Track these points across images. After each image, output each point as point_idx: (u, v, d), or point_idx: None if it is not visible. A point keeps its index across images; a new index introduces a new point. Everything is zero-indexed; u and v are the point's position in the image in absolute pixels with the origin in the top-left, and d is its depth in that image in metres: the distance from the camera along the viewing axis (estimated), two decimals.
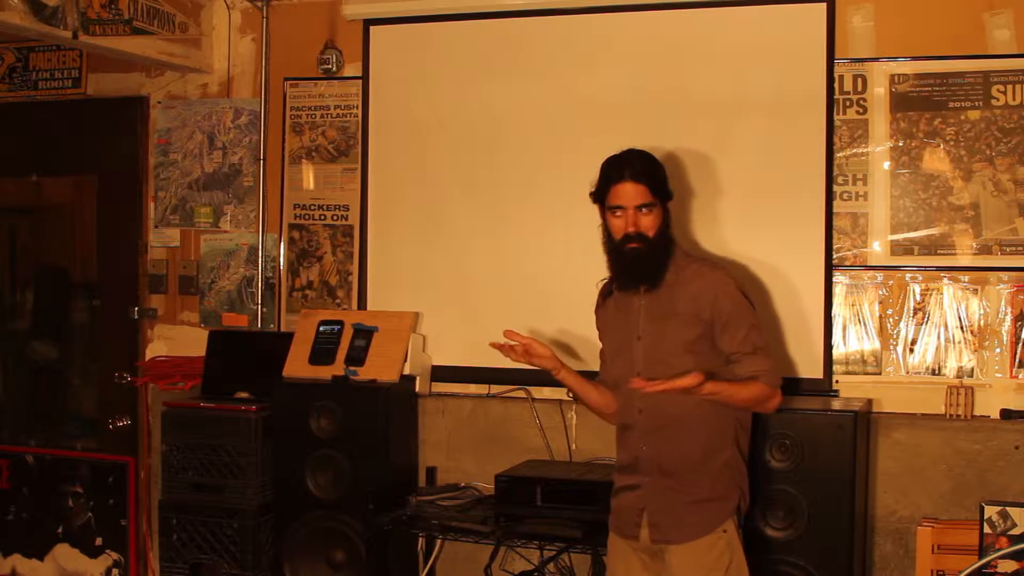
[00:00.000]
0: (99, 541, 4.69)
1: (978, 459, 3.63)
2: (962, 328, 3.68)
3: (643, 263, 2.89)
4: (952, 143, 3.69)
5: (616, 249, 2.92)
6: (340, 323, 4.16)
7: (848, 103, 3.79)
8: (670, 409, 2.87)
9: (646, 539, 2.89)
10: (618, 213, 2.89)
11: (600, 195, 2.94)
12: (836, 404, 3.58)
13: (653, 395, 2.86)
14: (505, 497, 3.66)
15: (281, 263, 4.50)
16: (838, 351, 3.78)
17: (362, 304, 4.33)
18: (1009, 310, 3.65)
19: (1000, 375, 3.65)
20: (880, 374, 3.76)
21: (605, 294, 3.10)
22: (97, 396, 4.83)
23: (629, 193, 2.86)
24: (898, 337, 3.74)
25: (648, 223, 2.86)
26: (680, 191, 3.51)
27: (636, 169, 2.87)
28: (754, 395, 2.87)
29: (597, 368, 3.96)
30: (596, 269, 3.97)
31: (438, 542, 4.15)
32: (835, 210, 3.78)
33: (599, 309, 3.12)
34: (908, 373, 3.74)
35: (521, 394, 4.14)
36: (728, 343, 2.85)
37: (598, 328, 3.13)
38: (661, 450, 2.89)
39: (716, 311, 2.84)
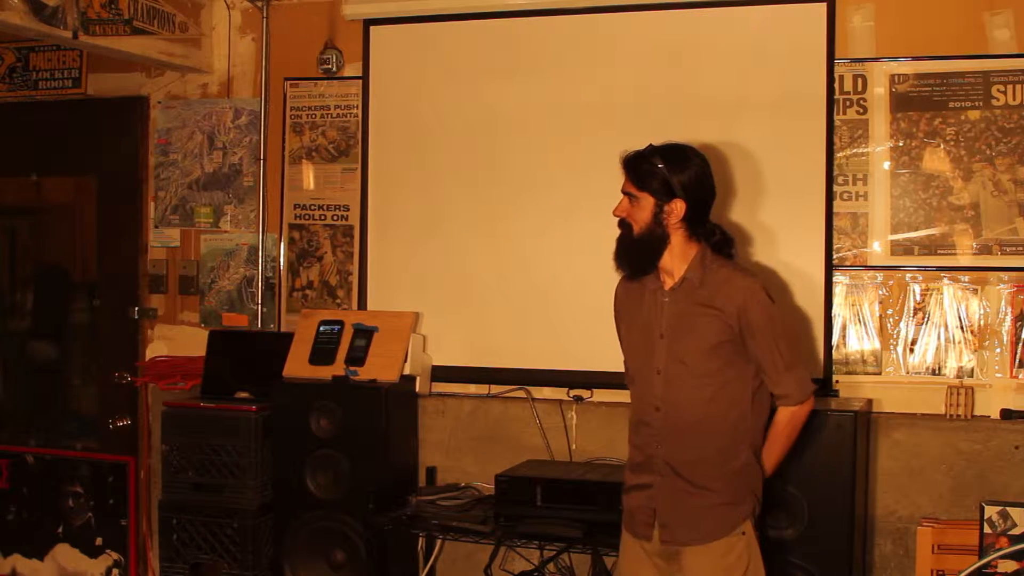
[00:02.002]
0: (99, 541, 4.69)
1: (978, 459, 3.63)
2: (962, 328, 3.68)
3: (621, 250, 2.91)
4: (952, 143, 3.69)
5: None
6: (340, 323, 4.16)
7: (848, 103, 3.79)
8: (688, 410, 2.84)
9: (658, 539, 2.87)
10: None
11: None
12: (836, 404, 3.58)
13: (671, 394, 2.85)
14: (505, 497, 3.66)
15: (281, 263, 4.50)
16: (838, 351, 3.78)
17: (362, 304, 4.33)
18: (1009, 310, 3.65)
19: (1000, 375, 3.65)
20: (880, 374, 3.76)
21: (625, 284, 3.05)
22: (97, 396, 4.83)
23: (624, 180, 2.90)
24: (898, 337, 3.74)
25: (633, 214, 2.86)
26: None
27: (628, 158, 2.88)
28: (784, 434, 2.91)
29: (595, 368, 3.99)
30: (596, 268, 3.97)
31: (438, 542, 4.15)
32: (835, 210, 3.78)
33: (619, 295, 3.08)
34: (908, 373, 3.74)
35: (521, 394, 4.14)
36: (758, 355, 2.83)
37: (616, 317, 3.09)
38: (675, 450, 2.85)
39: (745, 320, 2.80)
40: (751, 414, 2.87)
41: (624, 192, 2.88)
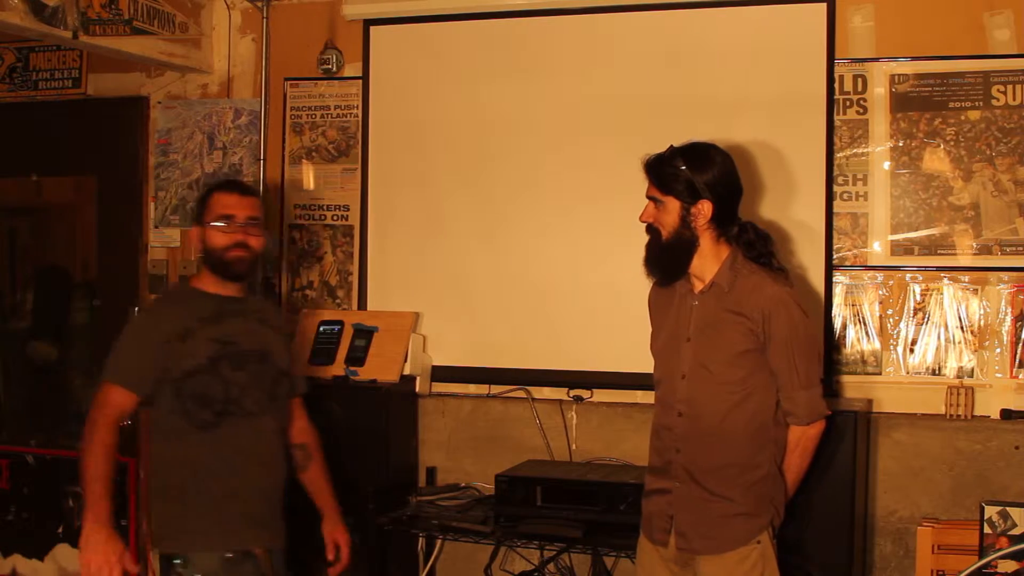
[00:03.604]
0: None
1: (978, 459, 3.63)
2: (962, 328, 3.68)
3: (651, 256, 2.86)
4: (952, 143, 3.69)
5: None
6: (340, 323, 4.16)
7: (848, 103, 3.79)
8: (709, 416, 2.80)
9: (674, 546, 2.85)
10: None
11: None
12: (836, 404, 3.57)
13: (694, 399, 2.82)
14: (505, 497, 3.66)
15: (281, 263, 4.50)
16: (838, 351, 3.78)
17: (362, 304, 4.33)
18: (1009, 310, 3.65)
19: (1000, 375, 3.65)
20: (880, 374, 3.76)
21: (658, 286, 3.02)
22: None
23: (648, 185, 2.84)
24: (898, 337, 3.74)
25: (660, 218, 2.81)
26: None
27: (649, 162, 2.83)
28: (795, 453, 2.86)
29: (595, 368, 3.99)
30: (596, 268, 3.99)
31: (438, 542, 4.15)
32: (835, 210, 3.78)
33: (651, 298, 3.04)
34: (908, 373, 3.74)
35: (521, 394, 4.14)
36: (775, 366, 2.80)
37: (651, 318, 3.06)
38: (695, 457, 2.82)
39: (768, 329, 2.77)
40: (774, 425, 2.83)
41: (649, 197, 2.82)
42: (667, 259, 2.84)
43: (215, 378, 2.90)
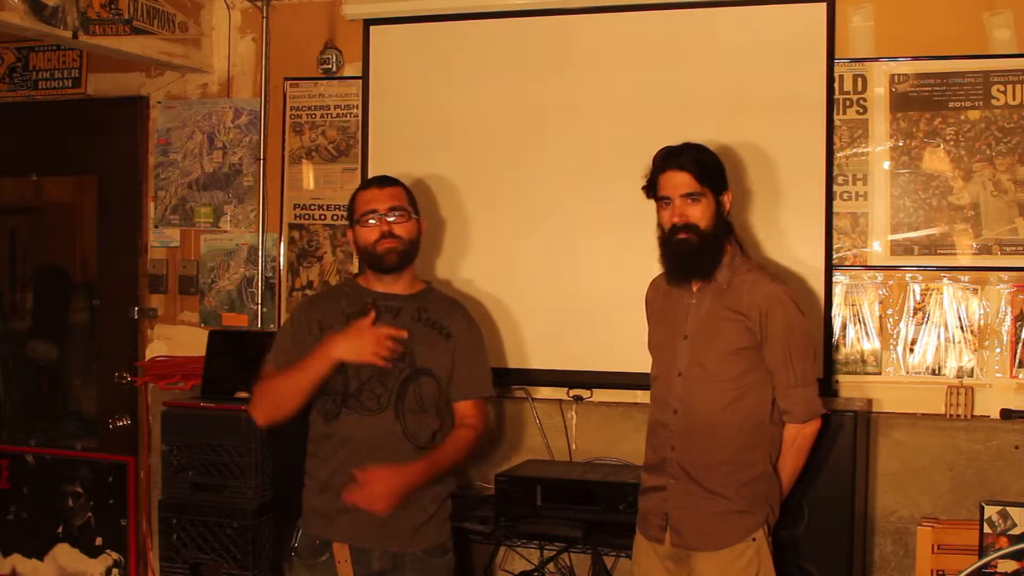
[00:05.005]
0: (99, 541, 4.69)
1: (978, 459, 3.63)
2: (962, 328, 3.68)
3: (692, 255, 2.83)
4: (952, 143, 3.69)
5: (665, 241, 2.86)
6: None
7: (848, 103, 3.79)
8: (704, 414, 2.81)
9: (670, 543, 2.86)
10: (665, 204, 2.83)
11: (650, 187, 2.88)
12: (836, 404, 3.58)
13: (689, 397, 2.83)
14: (505, 497, 3.66)
15: (281, 263, 4.50)
16: (838, 351, 3.78)
17: None
18: (1009, 310, 3.65)
19: (1000, 375, 3.65)
20: (880, 374, 3.76)
21: (656, 285, 3.03)
22: (97, 396, 4.83)
23: (674, 182, 2.80)
24: (898, 337, 3.74)
25: (697, 213, 2.79)
26: None
27: (682, 157, 2.81)
28: (790, 451, 2.87)
29: (595, 368, 3.99)
30: (596, 269, 3.99)
31: None
32: (835, 210, 3.78)
33: (649, 297, 3.05)
34: (908, 373, 3.74)
35: (521, 394, 4.14)
36: (771, 364, 2.80)
37: (647, 317, 3.07)
38: (690, 454, 2.83)
39: (765, 326, 2.77)
40: (769, 423, 2.84)
41: (686, 196, 2.78)
42: (709, 252, 2.82)
43: (338, 371, 2.96)
